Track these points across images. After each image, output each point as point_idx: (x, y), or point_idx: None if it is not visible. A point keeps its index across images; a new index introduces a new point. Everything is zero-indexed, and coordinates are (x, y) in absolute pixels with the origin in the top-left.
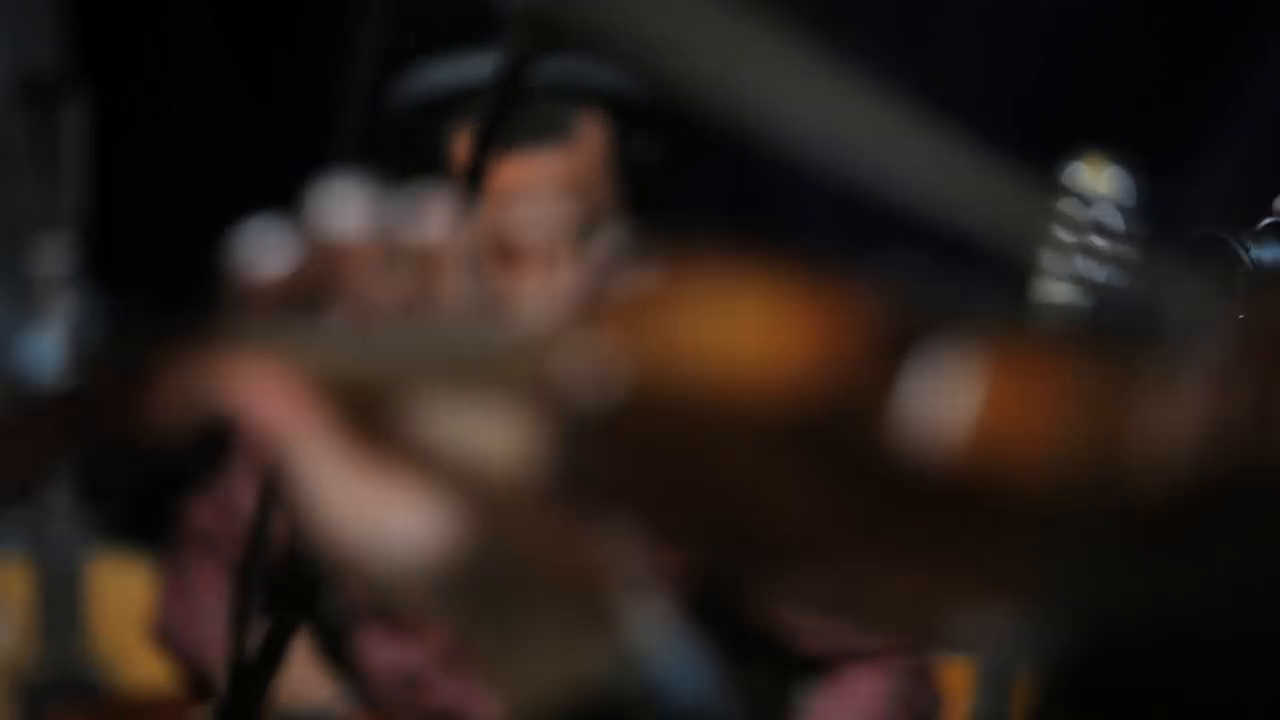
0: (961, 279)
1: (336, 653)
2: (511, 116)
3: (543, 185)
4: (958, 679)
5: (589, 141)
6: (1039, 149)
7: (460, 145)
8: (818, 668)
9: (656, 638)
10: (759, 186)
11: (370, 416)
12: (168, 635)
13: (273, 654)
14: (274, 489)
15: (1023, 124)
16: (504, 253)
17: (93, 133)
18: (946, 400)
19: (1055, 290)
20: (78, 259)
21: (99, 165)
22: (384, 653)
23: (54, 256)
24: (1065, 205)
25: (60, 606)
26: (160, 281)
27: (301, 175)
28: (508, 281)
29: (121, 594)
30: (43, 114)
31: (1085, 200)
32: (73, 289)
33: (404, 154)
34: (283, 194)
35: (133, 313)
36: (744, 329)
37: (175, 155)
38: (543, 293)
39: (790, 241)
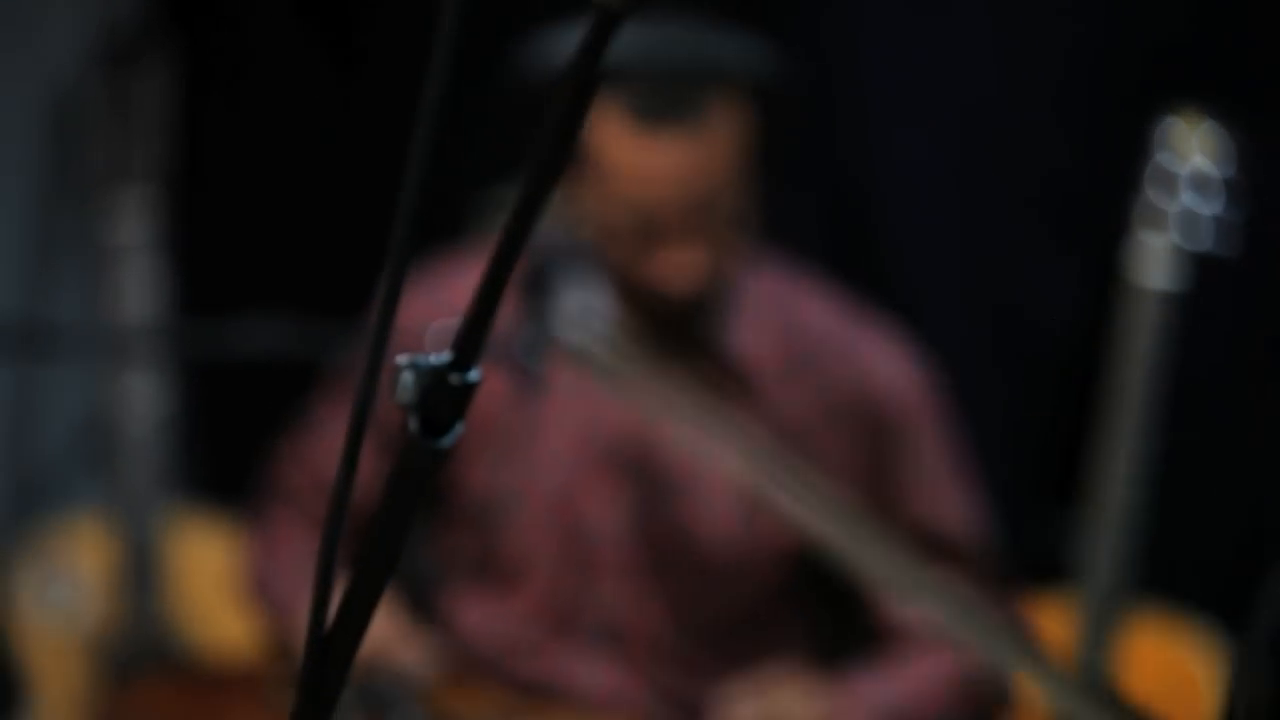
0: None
1: (426, 614)
2: (599, 79)
3: (684, 164)
4: (1060, 619)
5: (723, 122)
6: (1136, 104)
7: (596, 114)
8: (893, 638)
9: None
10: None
11: None
12: (256, 590)
13: (356, 615)
14: (358, 447)
15: (1120, 79)
16: (647, 232)
17: (176, 91)
18: None
19: (1151, 244)
20: (158, 218)
21: (182, 124)
22: (478, 615)
23: (135, 216)
24: (1161, 160)
25: (139, 569)
26: (237, 242)
27: (378, 138)
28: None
29: (200, 556)
30: (126, 72)
31: (1180, 155)
32: (152, 250)
33: (523, 124)
34: (359, 156)
35: None
36: None
37: (255, 115)
38: None
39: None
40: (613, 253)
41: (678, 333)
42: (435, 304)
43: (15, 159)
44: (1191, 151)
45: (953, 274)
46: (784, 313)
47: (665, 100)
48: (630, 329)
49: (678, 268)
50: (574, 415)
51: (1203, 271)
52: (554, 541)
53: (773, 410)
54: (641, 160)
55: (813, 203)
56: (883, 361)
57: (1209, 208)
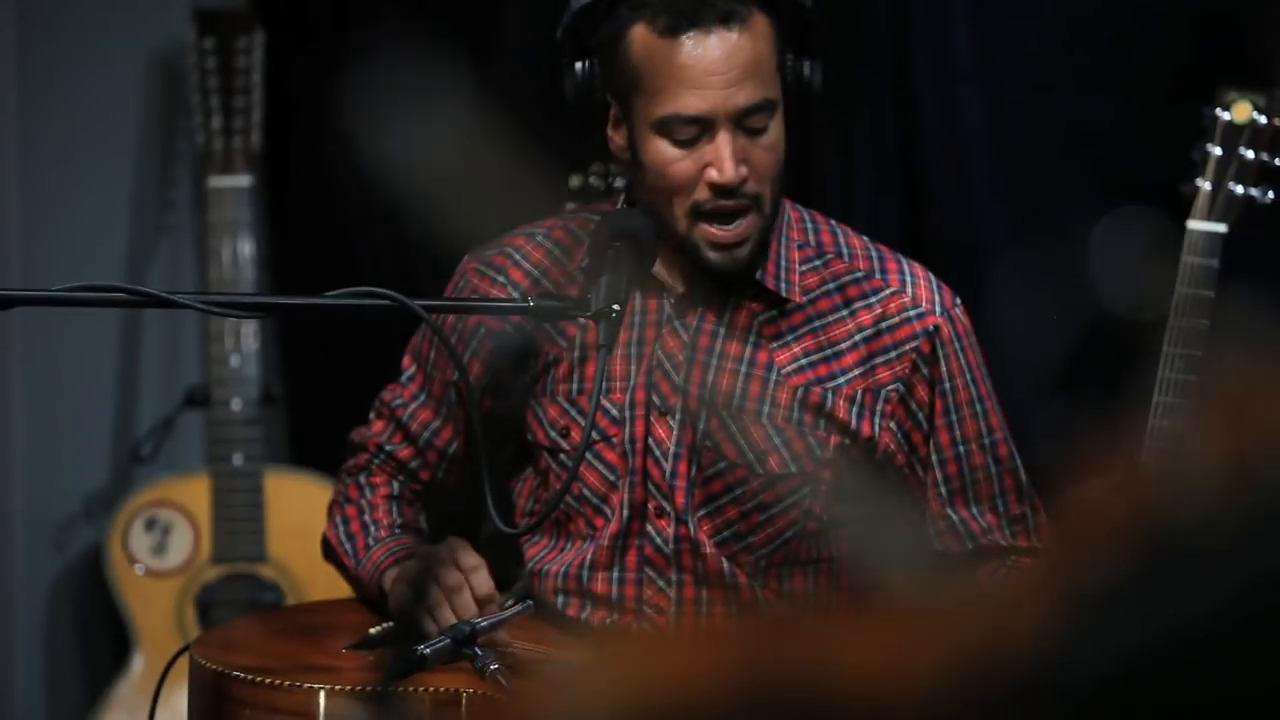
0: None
1: (506, 562)
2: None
3: (728, 63)
4: None
5: (762, 30)
6: (1190, 86)
7: (639, 35)
8: (959, 562)
9: None
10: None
11: None
12: (336, 549)
13: (439, 569)
14: (446, 414)
15: (1175, 63)
16: (698, 139)
17: (269, 63)
18: None
19: (1205, 224)
20: (253, 186)
21: (274, 93)
22: (546, 557)
23: (231, 184)
24: (1215, 141)
25: (239, 521)
26: (327, 203)
27: (465, 96)
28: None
29: (296, 509)
30: (228, 47)
31: (1233, 137)
32: (248, 213)
33: (585, 45)
34: (445, 118)
35: None
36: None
37: (348, 83)
38: None
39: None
40: (664, 195)
41: (729, 274)
42: (496, 276)
43: (120, 131)
44: (1243, 108)
45: (1004, 231)
46: (812, 243)
47: (713, 6)
48: (685, 272)
49: (726, 159)
50: (636, 351)
51: (1247, 213)
52: (625, 475)
53: (812, 335)
54: (685, 63)
55: (869, 156)
56: (910, 291)
57: (1258, 183)
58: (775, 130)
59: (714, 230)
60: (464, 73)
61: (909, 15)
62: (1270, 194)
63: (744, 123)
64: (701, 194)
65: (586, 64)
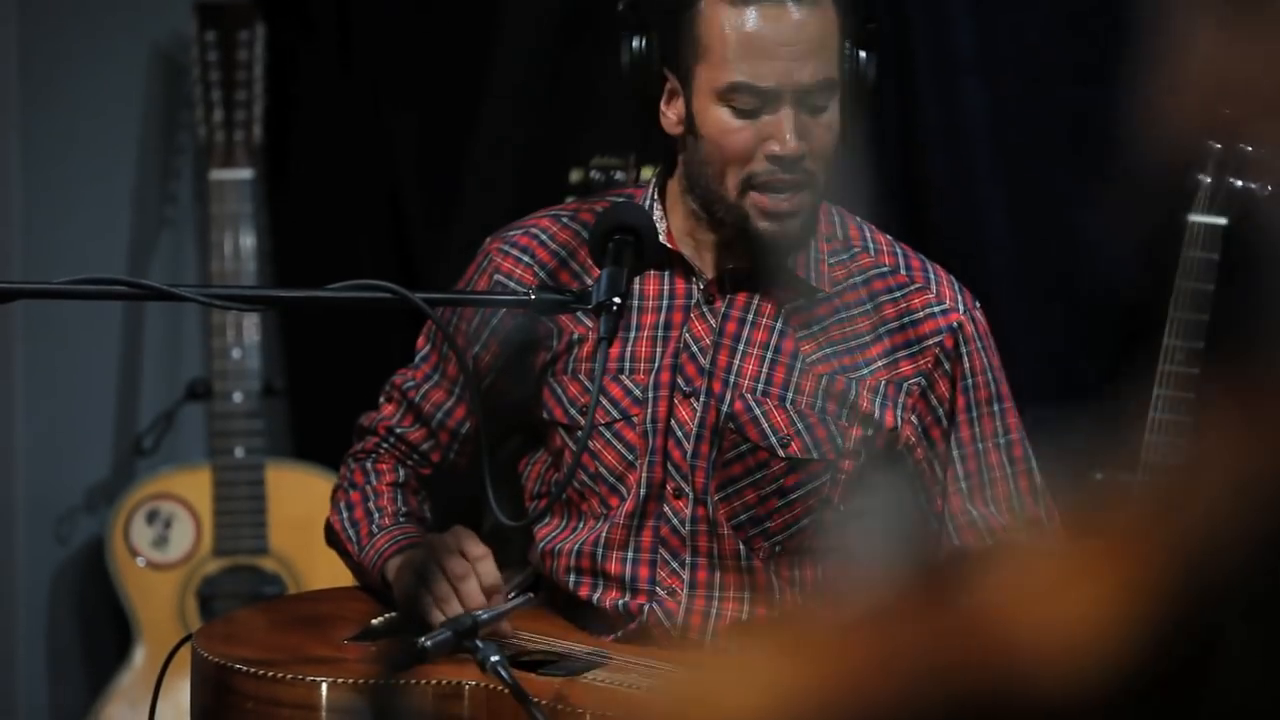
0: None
1: (510, 552)
2: None
3: (797, 35)
4: None
5: (829, 12)
6: None
7: (708, 4)
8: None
9: None
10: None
11: None
12: (339, 535)
13: (444, 557)
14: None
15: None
16: (761, 111)
17: (270, 56)
18: None
19: (1206, 217)
20: (254, 179)
21: (276, 84)
22: (558, 537)
23: (232, 177)
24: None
25: (241, 513)
26: (328, 196)
27: (461, 92)
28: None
29: (297, 501)
30: (222, 38)
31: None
32: (249, 206)
33: (645, 18)
34: (445, 110)
35: None
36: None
37: (348, 72)
38: None
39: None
40: (719, 166)
41: (766, 254)
42: (521, 256)
43: (122, 124)
44: None
45: (1005, 225)
46: (839, 237)
47: None
48: (716, 258)
49: (789, 131)
50: (663, 334)
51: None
52: (644, 455)
53: (838, 326)
54: (755, 31)
55: (869, 152)
56: (934, 289)
57: (1256, 150)
58: (835, 112)
59: (766, 199)
60: (465, 66)
61: (909, 9)
62: (1270, 187)
63: (807, 100)
64: (758, 165)
65: (644, 38)
